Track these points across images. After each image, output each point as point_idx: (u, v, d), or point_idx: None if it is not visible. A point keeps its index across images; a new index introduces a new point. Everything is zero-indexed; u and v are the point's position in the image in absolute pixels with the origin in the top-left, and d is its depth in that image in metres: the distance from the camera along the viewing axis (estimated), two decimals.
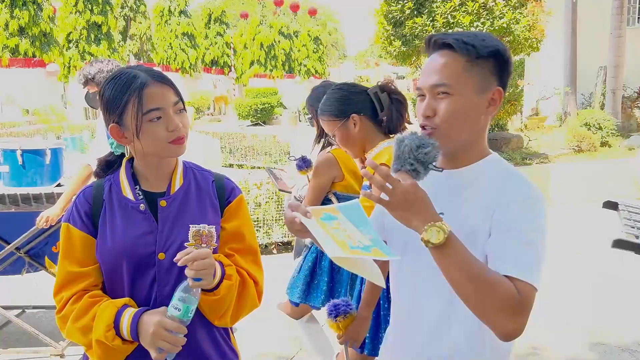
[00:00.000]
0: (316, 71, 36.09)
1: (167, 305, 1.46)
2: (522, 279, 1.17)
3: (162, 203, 1.55)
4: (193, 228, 1.48)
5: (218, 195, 1.63)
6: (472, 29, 8.37)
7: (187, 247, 1.49)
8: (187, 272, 1.41)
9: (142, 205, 1.54)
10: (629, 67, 11.91)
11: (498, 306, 1.15)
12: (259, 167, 11.09)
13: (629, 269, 4.23)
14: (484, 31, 8.41)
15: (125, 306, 1.48)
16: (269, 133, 11.69)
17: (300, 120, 21.22)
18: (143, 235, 1.52)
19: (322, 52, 37.61)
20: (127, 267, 1.51)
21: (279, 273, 3.55)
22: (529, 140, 9.63)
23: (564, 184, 7.86)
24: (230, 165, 11.50)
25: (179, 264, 1.39)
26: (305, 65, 35.35)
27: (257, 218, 5.50)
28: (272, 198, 5.54)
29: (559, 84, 13.26)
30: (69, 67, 23.06)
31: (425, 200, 1.21)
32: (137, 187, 1.58)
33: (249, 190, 5.54)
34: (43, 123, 12.12)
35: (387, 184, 1.19)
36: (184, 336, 1.44)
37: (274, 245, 5.61)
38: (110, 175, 1.62)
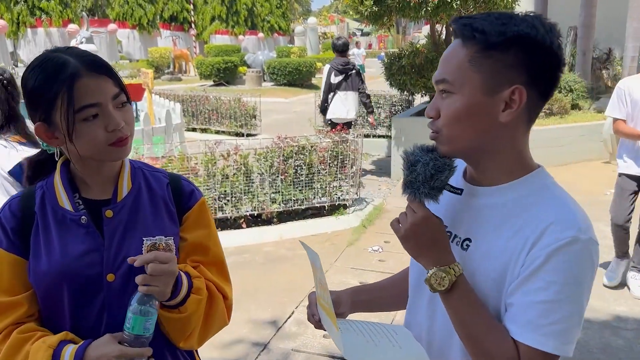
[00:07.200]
0: (280, 27, 35.36)
1: None
2: (531, 346, 1.00)
3: (108, 213, 1.28)
4: (147, 242, 1.22)
5: (175, 200, 1.37)
6: None
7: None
8: (137, 279, 1.17)
9: (83, 217, 1.26)
10: (598, 27, 11.81)
11: None
12: (224, 132, 10.69)
13: (606, 235, 4.12)
14: None
15: (63, 343, 1.20)
16: (234, 96, 11.15)
17: (265, 80, 20.64)
18: (86, 253, 1.25)
19: (286, 8, 36.73)
20: (68, 292, 1.24)
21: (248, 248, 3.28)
22: None
23: (536, 148, 7.79)
24: (194, 130, 11.05)
25: (135, 264, 1.17)
26: (268, 22, 34.56)
27: (225, 191, 5.17)
28: (240, 170, 5.20)
29: None
30: (17, 24, 21.91)
31: (437, 235, 1.08)
32: (77, 195, 1.29)
33: (215, 162, 5.18)
34: None
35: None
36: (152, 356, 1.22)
37: (242, 220, 5.31)
38: (42, 181, 1.32)
